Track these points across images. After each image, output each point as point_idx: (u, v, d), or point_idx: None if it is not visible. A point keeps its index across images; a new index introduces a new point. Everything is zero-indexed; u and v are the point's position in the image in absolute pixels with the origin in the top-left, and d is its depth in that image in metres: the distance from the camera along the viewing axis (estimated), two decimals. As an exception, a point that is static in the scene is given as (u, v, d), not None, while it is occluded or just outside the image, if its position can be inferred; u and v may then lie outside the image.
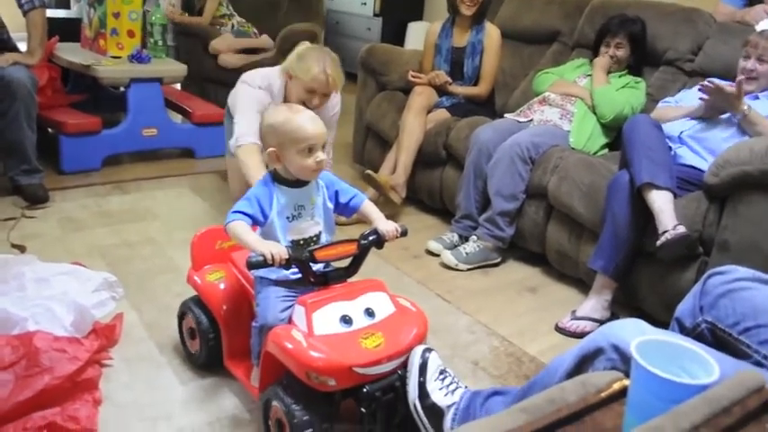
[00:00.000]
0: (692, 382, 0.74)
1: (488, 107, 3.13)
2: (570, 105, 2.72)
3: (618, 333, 1.12)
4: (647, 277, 2.15)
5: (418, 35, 5.69)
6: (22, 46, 3.01)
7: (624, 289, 2.21)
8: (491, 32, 3.07)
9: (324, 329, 1.40)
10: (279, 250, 1.39)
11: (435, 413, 1.43)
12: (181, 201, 2.82)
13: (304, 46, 2.43)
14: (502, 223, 2.52)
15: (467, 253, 2.53)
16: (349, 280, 1.56)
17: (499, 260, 2.59)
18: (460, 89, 3.09)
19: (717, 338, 1.18)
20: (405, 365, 1.46)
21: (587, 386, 0.82)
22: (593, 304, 2.18)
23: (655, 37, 2.83)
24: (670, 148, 2.25)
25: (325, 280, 1.50)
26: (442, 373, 1.46)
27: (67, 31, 3.53)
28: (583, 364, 1.16)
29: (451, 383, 1.46)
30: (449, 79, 3.07)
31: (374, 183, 2.79)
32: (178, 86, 4.00)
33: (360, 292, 1.49)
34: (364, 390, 1.40)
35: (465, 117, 2.92)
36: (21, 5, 2.88)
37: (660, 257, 2.01)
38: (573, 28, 3.23)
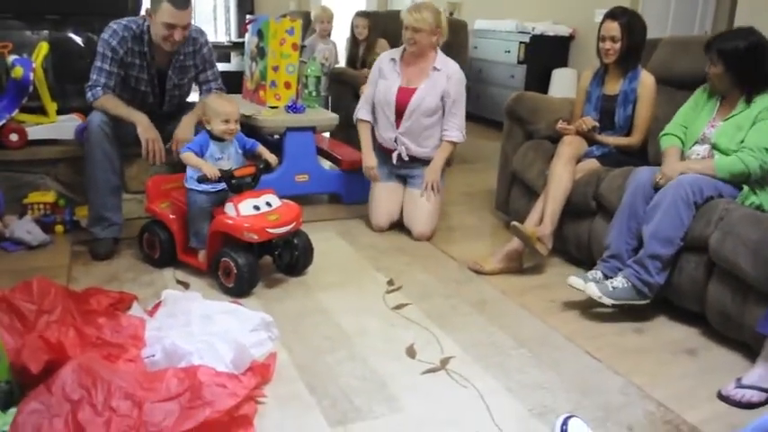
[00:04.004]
0: None
1: (641, 157, 2.99)
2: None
3: None
4: (826, 346, 1.95)
5: (563, 82, 5.62)
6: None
7: (799, 357, 2.02)
8: (645, 80, 2.96)
9: (245, 212, 2.46)
10: (213, 169, 2.46)
11: None
12: (328, 245, 2.92)
13: None
14: (651, 267, 2.36)
15: (613, 287, 2.38)
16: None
17: (645, 303, 2.41)
18: (611, 139, 2.99)
19: None
20: (293, 231, 2.56)
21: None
22: (762, 372, 2.00)
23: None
24: None
25: (240, 188, 2.53)
26: None
27: (229, 83, 3.81)
28: None
29: None
30: (596, 124, 2.98)
31: (520, 234, 2.75)
32: (326, 134, 4.19)
33: (261, 194, 2.56)
34: (273, 241, 2.51)
35: (616, 167, 2.82)
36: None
37: None
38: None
